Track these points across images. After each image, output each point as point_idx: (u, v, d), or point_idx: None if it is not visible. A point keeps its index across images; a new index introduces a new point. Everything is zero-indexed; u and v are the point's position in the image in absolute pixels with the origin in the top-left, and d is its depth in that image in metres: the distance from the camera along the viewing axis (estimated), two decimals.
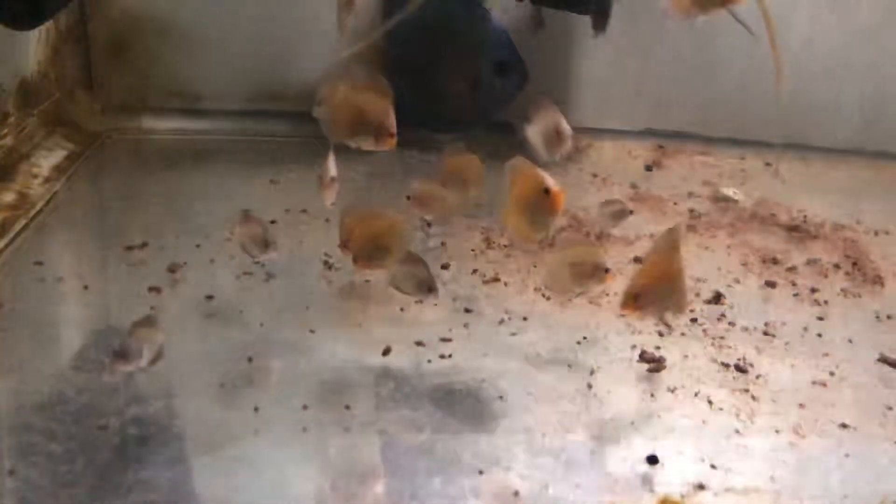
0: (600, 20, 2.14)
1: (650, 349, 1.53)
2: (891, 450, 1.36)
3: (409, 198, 1.66)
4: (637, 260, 1.80)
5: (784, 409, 1.42)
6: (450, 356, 1.49)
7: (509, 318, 1.61)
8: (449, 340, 1.53)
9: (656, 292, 1.40)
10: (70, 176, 2.03)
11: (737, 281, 1.78)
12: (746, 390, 1.46)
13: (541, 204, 1.42)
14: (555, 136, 1.53)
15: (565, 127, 1.52)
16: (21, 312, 1.55)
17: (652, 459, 1.30)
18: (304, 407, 1.36)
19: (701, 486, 1.25)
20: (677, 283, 1.42)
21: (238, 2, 2.30)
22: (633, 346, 1.54)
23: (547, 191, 1.41)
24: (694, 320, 1.63)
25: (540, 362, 1.50)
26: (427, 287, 1.51)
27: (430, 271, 1.51)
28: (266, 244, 1.63)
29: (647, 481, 1.26)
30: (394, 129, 1.47)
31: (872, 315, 1.70)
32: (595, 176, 2.20)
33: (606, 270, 1.47)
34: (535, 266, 1.77)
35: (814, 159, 2.39)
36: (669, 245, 1.41)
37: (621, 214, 1.86)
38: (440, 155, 1.68)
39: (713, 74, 2.40)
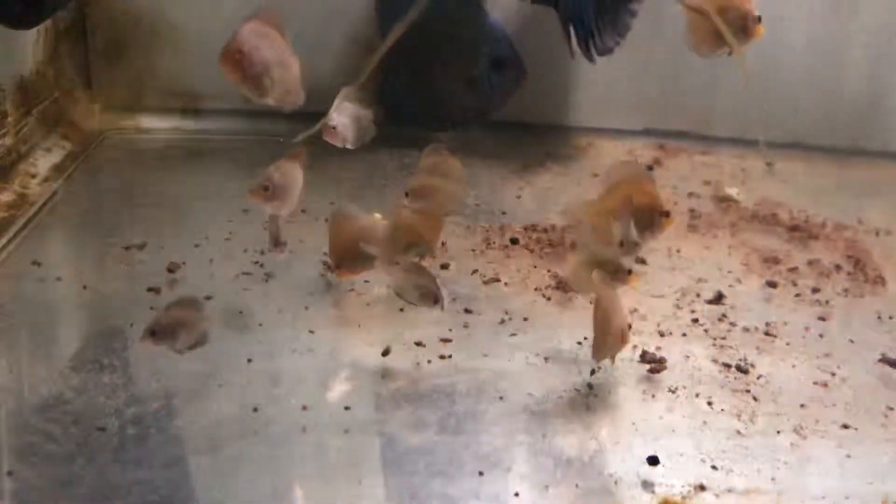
0: (581, 41, 2.10)
1: (651, 350, 1.53)
2: (892, 450, 1.35)
3: (407, 194, 1.65)
4: (640, 261, 1.80)
5: (785, 410, 1.42)
6: (450, 356, 1.49)
7: (509, 318, 1.61)
8: (449, 340, 1.53)
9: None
10: (69, 175, 2.02)
11: (738, 281, 1.78)
12: (747, 391, 1.46)
13: (646, 221, 1.40)
14: (611, 272, 1.45)
15: (623, 267, 1.44)
16: (19, 312, 1.54)
17: (652, 460, 1.29)
18: (304, 407, 1.35)
19: (702, 487, 1.25)
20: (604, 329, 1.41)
21: (238, 1, 2.29)
22: (634, 347, 1.53)
23: (667, 214, 1.40)
24: (695, 321, 1.63)
25: (540, 362, 1.50)
26: (433, 298, 1.48)
27: (435, 281, 1.50)
28: (277, 242, 1.63)
29: (647, 482, 1.26)
30: (435, 249, 1.56)
31: (874, 315, 1.70)
32: (595, 176, 2.19)
33: (629, 271, 1.46)
34: (534, 266, 1.77)
35: (814, 159, 2.38)
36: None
37: None
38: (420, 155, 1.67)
39: (714, 74, 2.40)
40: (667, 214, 1.40)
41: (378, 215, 1.56)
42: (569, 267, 1.60)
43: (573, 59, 2.12)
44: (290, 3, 2.30)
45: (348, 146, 1.68)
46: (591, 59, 2.11)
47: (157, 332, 1.30)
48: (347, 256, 1.56)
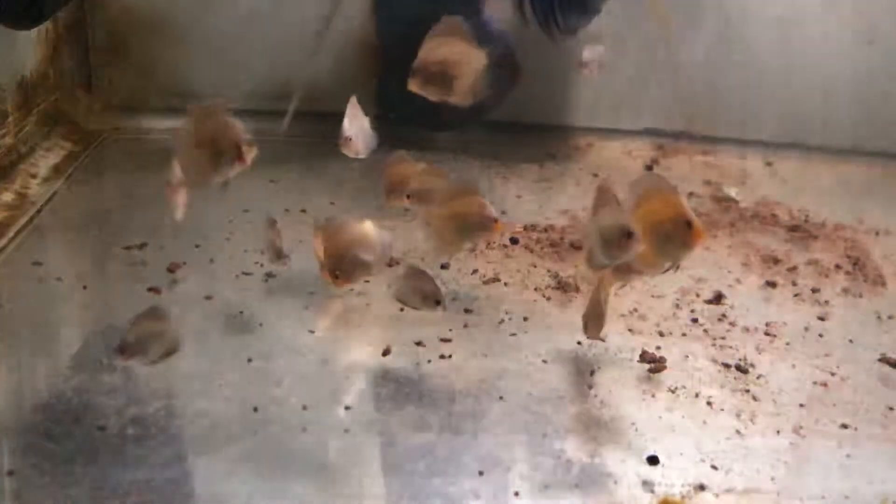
0: (542, 19, 2.08)
1: (651, 349, 1.53)
2: (891, 450, 1.35)
3: (408, 197, 1.66)
4: None
5: (785, 410, 1.42)
6: (450, 356, 1.49)
7: (509, 318, 1.61)
8: (449, 340, 1.53)
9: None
10: (69, 176, 2.03)
11: (738, 281, 1.78)
12: (747, 390, 1.46)
13: (675, 235, 1.36)
14: (620, 239, 1.38)
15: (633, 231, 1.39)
16: (20, 312, 1.54)
17: (652, 460, 1.29)
18: (304, 407, 1.36)
19: (701, 487, 1.25)
20: None
21: (238, 1, 2.30)
22: (634, 347, 1.53)
23: (689, 224, 1.35)
24: (695, 320, 1.63)
25: (540, 362, 1.50)
26: (434, 300, 1.49)
27: (435, 283, 1.50)
28: (279, 255, 1.63)
29: (647, 482, 1.26)
30: (496, 216, 1.51)
31: (873, 315, 1.70)
32: (595, 176, 2.20)
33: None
34: (534, 266, 1.77)
35: (814, 159, 2.38)
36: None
37: None
38: (385, 163, 1.67)
39: (714, 74, 2.40)
40: (689, 225, 1.35)
41: (370, 222, 1.56)
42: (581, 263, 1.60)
43: (526, 27, 2.11)
44: (289, 3, 2.31)
45: (361, 156, 1.68)
46: (552, 37, 2.10)
47: (126, 349, 1.29)
48: (344, 265, 1.55)
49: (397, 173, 1.66)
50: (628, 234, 1.36)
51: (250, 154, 1.40)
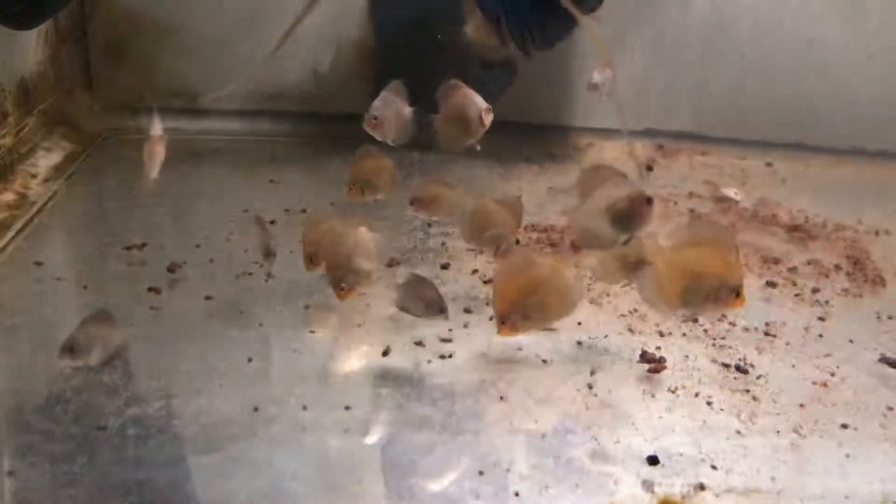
0: (516, 35, 2.09)
1: (651, 349, 1.53)
2: (891, 450, 1.35)
3: (412, 203, 1.66)
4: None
5: (785, 410, 1.42)
6: (450, 356, 1.49)
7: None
8: (449, 340, 1.53)
9: (524, 309, 1.42)
10: (69, 176, 2.03)
11: None
12: (747, 391, 1.46)
13: (717, 295, 1.37)
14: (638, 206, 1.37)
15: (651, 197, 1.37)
16: (21, 312, 1.54)
17: (652, 460, 1.29)
18: (304, 407, 1.36)
19: (701, 487, 1.25)
20: (546, 292, 1.42)
21: (238, 2, 2.30)
22: (634, 347, 1.53)
23: (738, 293, 1.36)
24: (695, 321, 1.63)
25: (540, 362, 1.50)
26: (438, 308, 1.47)
27: (438, 291, 1.49)
28: (267, 253, 1.62)
29: (647, 482, 1.26)
30: (508, 238, 1.63)
31: (873, 315, 1.70)
32: None
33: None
34: None
35: (814, 159, 2.39)
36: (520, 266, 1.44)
37: None
38: (353, 157, 1.67)
39: (713, 74, 2.40)
40: (737, 294, 1.36)
41: (364, 227, 1.55)
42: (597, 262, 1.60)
43: (504, 46, 2.12)
44: (287, 4, 2.31)
45: (388, 141, 1.64)
46: (528, 54, 2.11)
47: (74, 349, 1.29)
48: (348, 277, 1.53)
49: (362, 168, 1.65)
50: (648, 200, 1.35)
51: (489, 118, 1.58)
